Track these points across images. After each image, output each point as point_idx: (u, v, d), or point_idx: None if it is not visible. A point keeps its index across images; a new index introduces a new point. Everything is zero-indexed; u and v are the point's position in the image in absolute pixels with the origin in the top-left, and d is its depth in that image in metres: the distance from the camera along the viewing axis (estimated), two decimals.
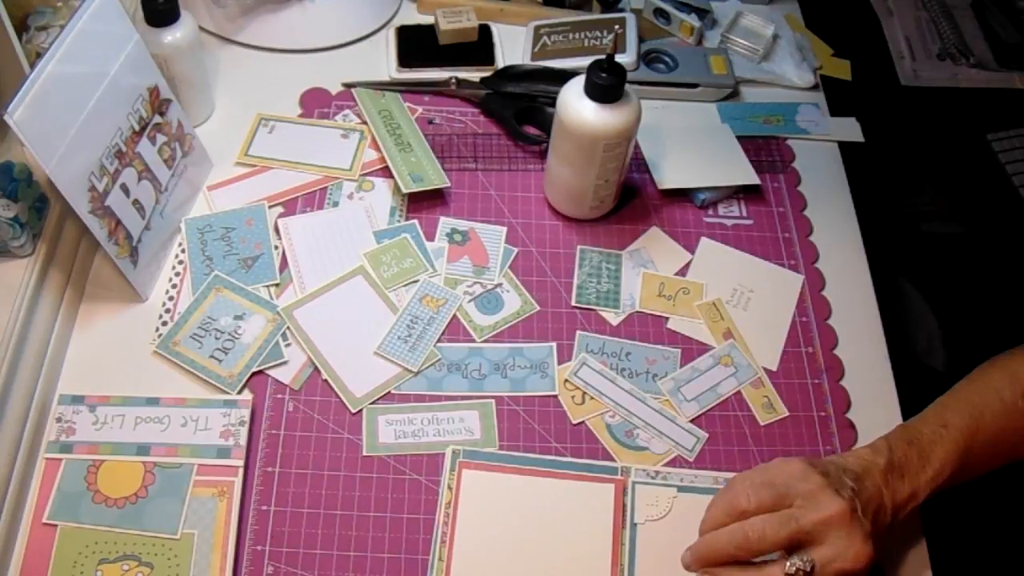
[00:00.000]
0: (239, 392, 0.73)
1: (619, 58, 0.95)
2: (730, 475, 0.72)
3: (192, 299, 0.78)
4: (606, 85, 0.76)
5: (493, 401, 0.75)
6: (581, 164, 0.79)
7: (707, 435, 0.74)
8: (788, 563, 0.60)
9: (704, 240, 0.86)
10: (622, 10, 1.01)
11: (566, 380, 0.76)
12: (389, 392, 0.75)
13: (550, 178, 0.84)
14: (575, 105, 0.77)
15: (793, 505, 0.61)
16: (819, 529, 0.60)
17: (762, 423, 0.75)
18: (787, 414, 0.76)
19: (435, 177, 0.85)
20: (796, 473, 0.63)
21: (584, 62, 0.95)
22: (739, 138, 0.93)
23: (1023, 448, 0.69)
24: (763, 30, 1.02)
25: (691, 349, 0.79)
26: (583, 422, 0.74)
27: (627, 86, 0.77)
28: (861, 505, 0.62)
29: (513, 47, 1.00)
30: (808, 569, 0.60)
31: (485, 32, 1.00)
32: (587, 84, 0.77)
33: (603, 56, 0.76)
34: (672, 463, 0.73)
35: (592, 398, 0.76)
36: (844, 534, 0.60)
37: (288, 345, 0.76)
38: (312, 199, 0.86)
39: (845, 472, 0.64)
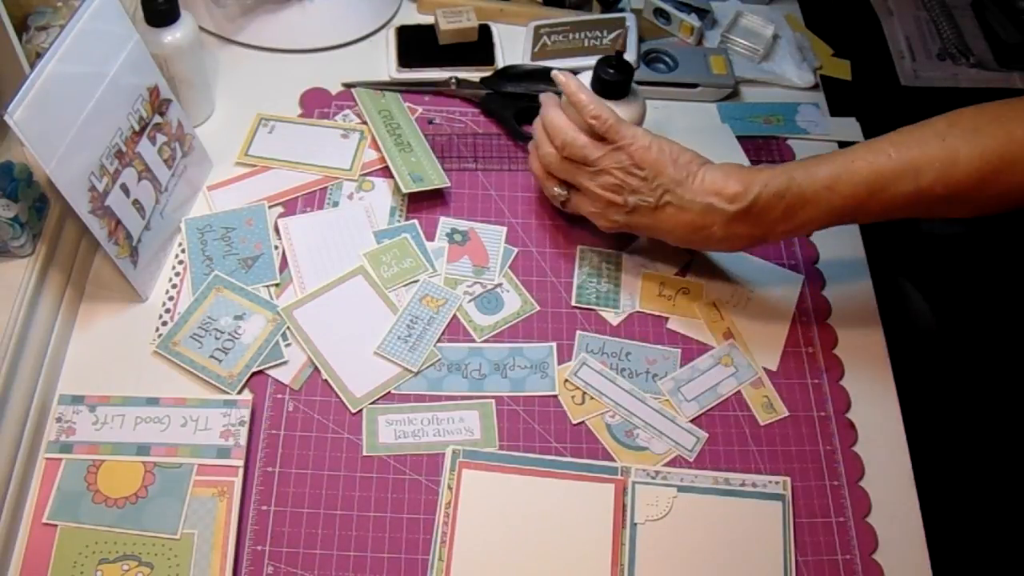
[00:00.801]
0: (239, 392, 0.73)
1: None
2: (730, 475, 0.72)
3: (192, 299, 0.78)
4: (613, 81, 0.76)
5: (493, 401, 0.75)
6: None
7: (707, 435, 0.74)
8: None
9: None
10: (622, 10, 1.01)
11: (566, 380, 0.76)
12: (389, 392, 0.75)
13: None
14: None
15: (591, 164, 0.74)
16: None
17: (762, 423, 0.75)
18: (787, 414, 0.76)
19: (435, 177, 0.85)
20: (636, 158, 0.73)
21: (584, 62, 0.95)
22: (739, 138, 0.93)
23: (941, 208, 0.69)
24: (763, 30, 1.02)
25: (691, 349, 0.79)
26: (583, 422, 0.75)
27: (633, 84, 0.78)
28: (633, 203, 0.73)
29: (513, 47, 1.00)
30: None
31: (485, 32, 1.00)
32: (594, 80, 0.77)
33: (612, 53, 0.76)
34: (672, 463, 0.73)
35: (592, 398, 0.76)
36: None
37: (288, 345, 0.76)
38: (312, 199, 0.86)
39: (671, 188, 0.72)
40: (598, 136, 0.74)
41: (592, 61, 0.77)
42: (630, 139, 0.72)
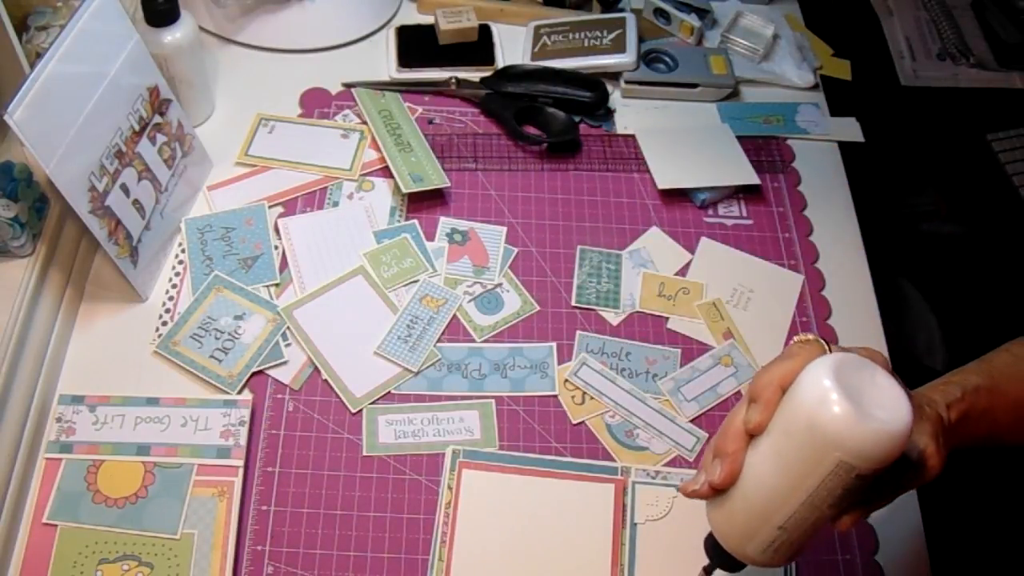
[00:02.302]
0: (239, 392, 0.73)
1: (619, 58, 0.96)
2: None
3: (192, 299, 0.78)
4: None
5: (493, 401, 0.75)
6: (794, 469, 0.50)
7: (707, 435, 0.74)
8: None
9: (704, 240, 0.86)
10: (622, 10, 1.01)
11: (566, 380, 0.76)
12: (389, 392, 0.75)
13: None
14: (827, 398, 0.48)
15: None
16: None
17: None
18: None
19: (435, 177, 0.85)
20: None
21: (584, 62, 0.96)
22: (739, 138, 0.93)
23: None
24: (763, 30, 1.02)
25: (691, 349, 0.79)
26: (583, 422, 0.74)
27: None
28: None
29: (513, 47, 1.00)
30: None
31: (485, 32, 1.00)
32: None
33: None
34: (672, 463, 0.73)
35: (592, 398, 0.76)
36: None
37: (288, 345, 0.76)
38: (312, 199, 0.86)
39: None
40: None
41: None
42: None
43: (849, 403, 0.47)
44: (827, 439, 0.47)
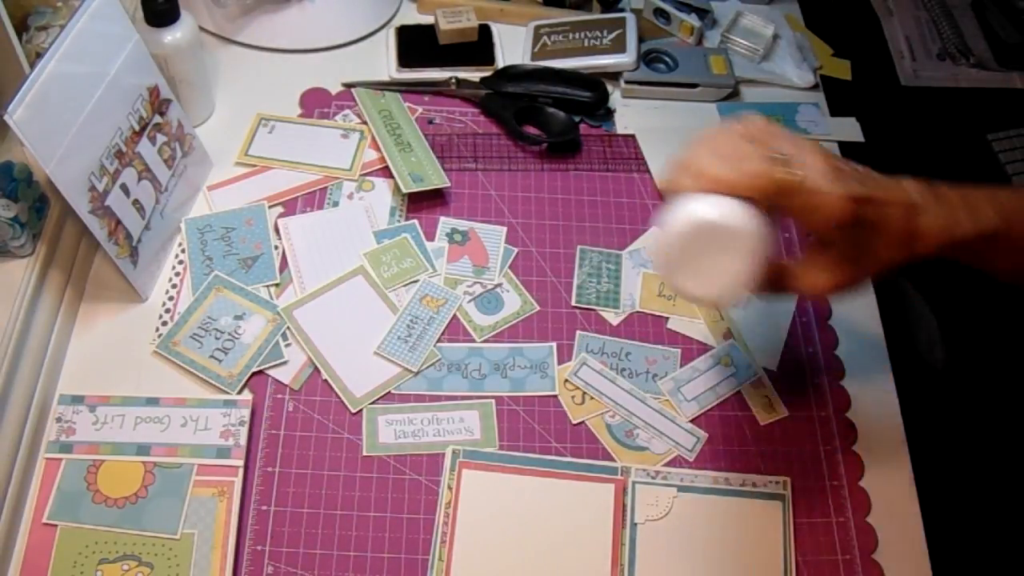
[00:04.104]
0: (239, 392, 0.73)
1: (619, 58, 0.96)
2: (730, 475, 0.72)
3: (192, 299, 0.78)
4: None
5: (493, 401, 0.75)
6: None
7: (707, 435, 0.74)
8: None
9: None
10: (622, 10, 1.01)
11: (566, 380, 0.76)
12: (389, 392, 0.75)
13: None
14: None
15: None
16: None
17: (762, 423, 0.75)
18: (787, 414, 0.76)
19: (435, 177, 0.85)
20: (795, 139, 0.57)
21: (584, 62, 0.95)
22: None
23: None
24: (763, 30, 1.02)
25: (691, 349, 0.79)
26: (583, 422, 0.74)
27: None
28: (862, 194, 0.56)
29: (513, 47, 1.00)
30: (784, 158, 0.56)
31: (485, 32, 1.00)
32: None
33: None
34: (672, 463, 0.73)
35: (592, 398, 0.76)
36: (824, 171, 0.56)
37: (288, 345, 0.76)
38: (312, 199, 0.86)
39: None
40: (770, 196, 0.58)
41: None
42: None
43: (668, 269, 0.58)
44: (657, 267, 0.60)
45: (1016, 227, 0.61)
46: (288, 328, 0.77)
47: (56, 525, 0.66)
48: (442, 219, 0.85)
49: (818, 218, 0.57)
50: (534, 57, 0.98)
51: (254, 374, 0.74)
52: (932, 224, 0.59)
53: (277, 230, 0.83)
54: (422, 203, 0.86)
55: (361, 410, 0.74)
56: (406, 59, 0.97)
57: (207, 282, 0.79)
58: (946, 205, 0.60)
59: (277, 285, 0.80)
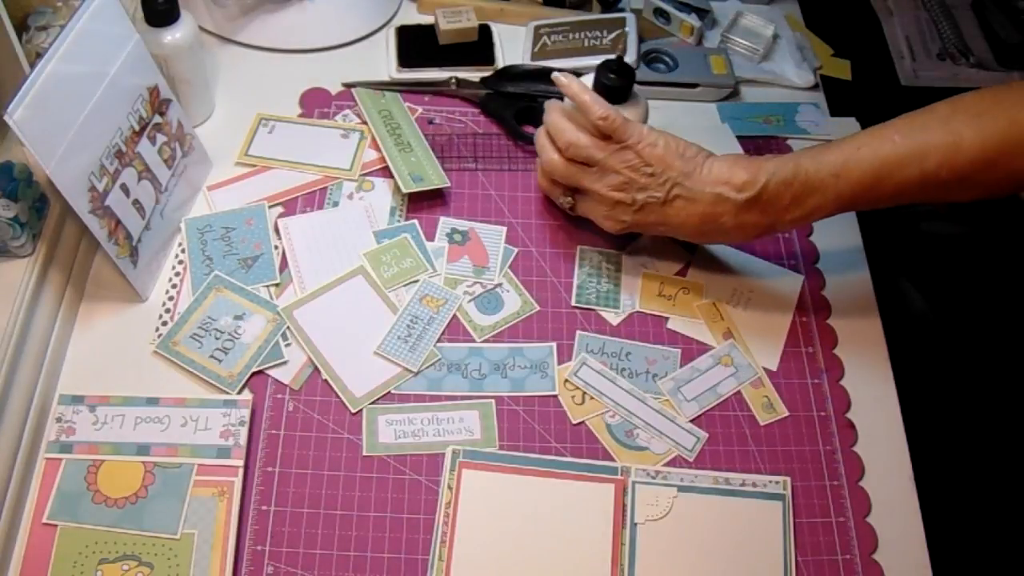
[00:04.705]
0: (239, 392, 0.73)
1: None
2: (730, 475, 0.72)
3: (192, 299, 0.78)
4: (615, 86, 0.76)
5: (493, 401, 0.75)
6: None
7: (707, 435, 0.74)
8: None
9: None
10: (622, 10, 1.01)
11: (566, 380, 0.76)
12: (389, 392, 0.75)
13: None
14: None
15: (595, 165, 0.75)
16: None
17: (762, 423, 0.75)
18: (787, 414, 0.76)
19: (435, 177, 0.85)
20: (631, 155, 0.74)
21: (584, 62, 0.95)
22: (739, 138, 0.93)
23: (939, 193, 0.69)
24: (763, 30, 1.02)
25: (691, 349, 0.79)
26: (583, 422, 0.74)
27: (635, 87, 0.78)
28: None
29: (513, 47, 1.00)
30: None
31: (485, 32, 1.00)
32: (596, 85, 0.77)
33: (612, 56, 0.76)
34: (672, 463, 0.73)
35: (592, 398, 0.76)
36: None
37: (288, 345, 0.76)
38: (312, 199, 0.86)
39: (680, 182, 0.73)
40: (603, 136, 0.74)
41: (592, 61, 0.77)
42: (637, 137, 0.73)
43: None
44: None
45: (861, 198, 0.71)
46: (288, 328, 0.77)
47: (56, 525, 0.66)
48: (442, 219, 0.85)
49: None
50: (534, 57, 0.98)
51: (254, 374, 0.74)
52: (746, 222, 0.73)
53: (277, 230, 0.83)
54: (422, 203, 0.86)
55: (361, 410, 0.74)
56: (406, 59, 0.97)
57: (207, 282, 0.79)
58: (768, 211, 0.72)
59: (277, 285, 0.80)
